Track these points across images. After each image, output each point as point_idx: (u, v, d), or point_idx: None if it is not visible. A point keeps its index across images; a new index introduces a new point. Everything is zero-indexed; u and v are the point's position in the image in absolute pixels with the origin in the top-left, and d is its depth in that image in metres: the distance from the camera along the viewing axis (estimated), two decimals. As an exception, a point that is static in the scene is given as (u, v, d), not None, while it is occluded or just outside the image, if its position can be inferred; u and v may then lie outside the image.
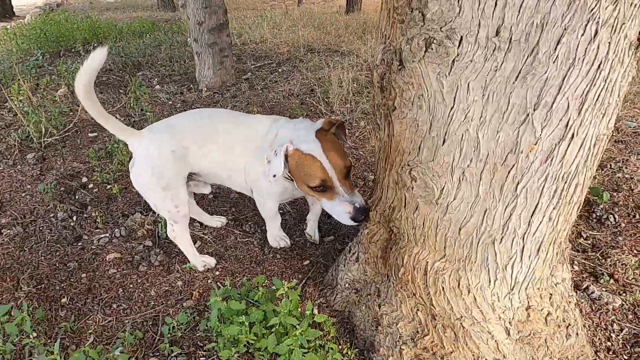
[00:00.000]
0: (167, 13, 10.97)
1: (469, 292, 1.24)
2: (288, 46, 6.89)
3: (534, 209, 1.09)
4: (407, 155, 1.22)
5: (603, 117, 0.99)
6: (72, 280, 1.83)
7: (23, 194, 2.48)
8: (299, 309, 1.46)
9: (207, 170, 1.75)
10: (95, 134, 3.31)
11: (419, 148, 1.17)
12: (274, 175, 1.51)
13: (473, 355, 1.26)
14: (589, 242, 2.12)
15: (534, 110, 0.95)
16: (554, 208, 1.10)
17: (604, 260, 1.98)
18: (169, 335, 1.50)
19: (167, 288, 1.79)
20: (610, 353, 1.51)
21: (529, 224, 1.12)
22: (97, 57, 1.44)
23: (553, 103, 0.93)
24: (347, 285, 1.63)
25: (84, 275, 1.85)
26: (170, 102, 4.20)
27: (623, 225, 2.22)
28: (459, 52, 0.98)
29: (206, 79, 4.98)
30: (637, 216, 2.31)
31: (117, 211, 2.31)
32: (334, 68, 5.23)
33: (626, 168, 2.75)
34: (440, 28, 0.99)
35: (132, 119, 3.56)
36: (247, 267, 1.90)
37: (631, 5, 0.84)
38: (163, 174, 1.65)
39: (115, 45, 6.31)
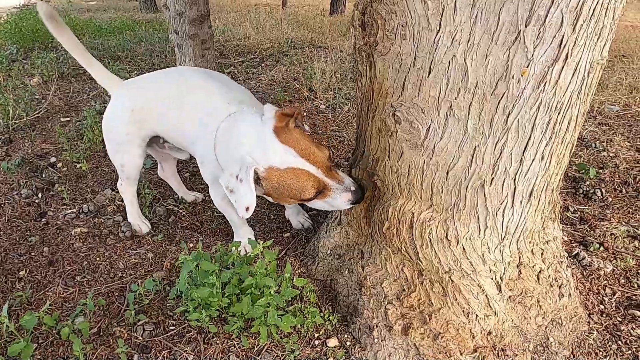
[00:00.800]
0: (148, 14, 10.82)
1: (457, 242, 1.15)
2: (272, 42, 6.83)
3: (526, 145, 1.02)
4: (390, 96, 1.14)
5: (598, 39, 0.93)
6: (32, 254, 1.69)
7: (-15, 174, 2.32)
8: (276, 273, 1.35)
9: (170, 137, 1.63)
10: (68, 118, 3.17)
11: (403, 86, 1.09)
12: (247, 209, 1.22)
13: (463, 311, 1.17)
14: (577, 215, 2.07)
15: (526, 26, 0.88)
16: (546, 144, 1.03)
17: (592, 231, 1.93)
18: (136, 304, 1.38)
19: (136, 260, 1.66)
20: (604, 316, 1.44)
21: (520, 162, 1.04)
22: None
23: (546, 17, 0.86)
24: (329, 252, 1.53)
25: (45, 249, 1.71)
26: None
27: (610, 199, 2.18)
28: (445, -32, 0.91)
29: (187, 72, 4.84)
30: (624, 191, 2.28)
31: (86, 188, 2.17)
32: (317, 61, 5.17)
33: (610, 147, 2.74)
34: (425, -57, 0.91)
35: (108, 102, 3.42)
36: (223, 240, 1.79)
37: None
38: (118, 130, 1.64)
39: (94, 42, 6.15)
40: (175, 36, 4.76)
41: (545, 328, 1.29)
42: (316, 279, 1.54)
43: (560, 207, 1.43)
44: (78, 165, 2.38)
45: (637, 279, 1.60)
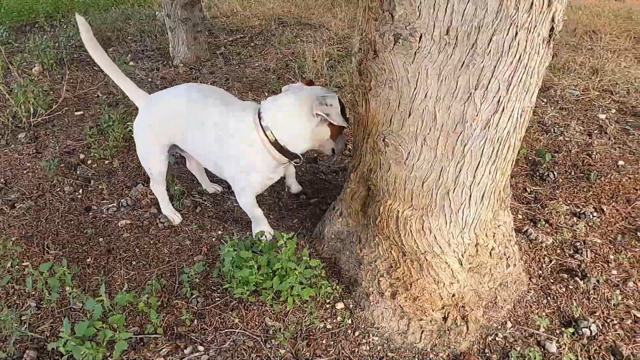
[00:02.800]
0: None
1: (430, 232, 1.59)
2: (259, 19, 6.91)
3: (477, 165, 1.43)
4: (381, 126, 1.52)
5: (526, 94, 1.33)
6: (91, 244, 2.07)
7: (24, 172, 2.65)
8: (296, 256, 1.78)
9: (188, 149, 1.99)
10: (81, 112, 3.45)
11: (390, 120, 1.48)
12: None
13: (434, 280, 1.62)
14: (532, 195, 2.53)
15: (475, 90, 1.27)
16: (492, 164, 1.45)
17: (542, 209, 2.40)
18: (188, 281, 1.80)
19: (177, 247, 2.07)
20: (541, 279, 1.92)
21: (474, 177, 1.46)
22: (83, 24, 1.83)
23: (488, 85, 1.25)
24: (332, 236, 1.96)
25: (101, 239, 2.10)
26: (150, 79, 4.31)
27: (560, 180, 2.64)
28: (420, 46, 1.28)
29: (181, 55, 5.04)
30: (573, 173, 2.74)
31: (119, 183, 2.53)
32: (306, 42, 5.40)
33: (567, 132, 3.18)
34: (405, 27, 1.28)
35: (116, 96, 3.69)
36: (244, 227, 2.20)
37: (540, 13, 1.16)
38: (142, 140, 2.01)
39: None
40: (168, 20, 4.94)
41: (495, 290, 1.75)
42: (323, 258, 1.97)
43: (510, 198, 1.87)
44: (106, 162, 2.72)
45: (570, 249, 2.08)
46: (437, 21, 1.21)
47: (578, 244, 2.10)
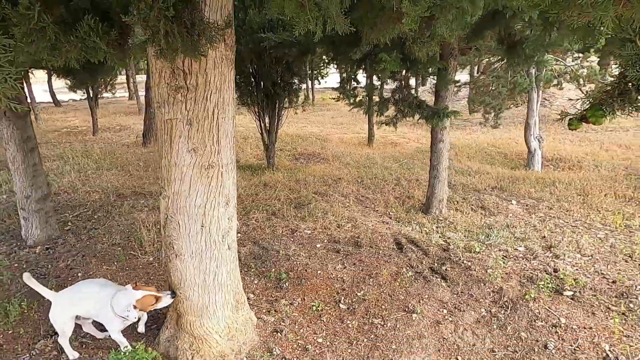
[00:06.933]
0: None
1: (202, 325, 3.77)
2: (99, 193, 8.71)
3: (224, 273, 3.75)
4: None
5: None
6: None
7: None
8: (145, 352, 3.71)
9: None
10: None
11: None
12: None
13: (209, 346, 3.77)
14: (273, 297, 4.96)
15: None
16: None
17: (276, 303, 4.82)
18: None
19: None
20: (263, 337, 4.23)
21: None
22: None
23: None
24: (165, 339, 3.95)
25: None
26: (15, 264, 5.69)
27: (288, 285, 5.16)
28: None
29: (33, 237, 6.48)
30: (297, 282, 5.33)
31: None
32: (141, 211, 7.48)
33: (295, 257, 5.88)
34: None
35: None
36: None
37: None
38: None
39: None
40: (22, 211, 6.48)
41: (240, 346, 3.99)
42: (160, 352, 3.91)
43: (245, 298, 4.23)
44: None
45: (275, 327, 4.50)
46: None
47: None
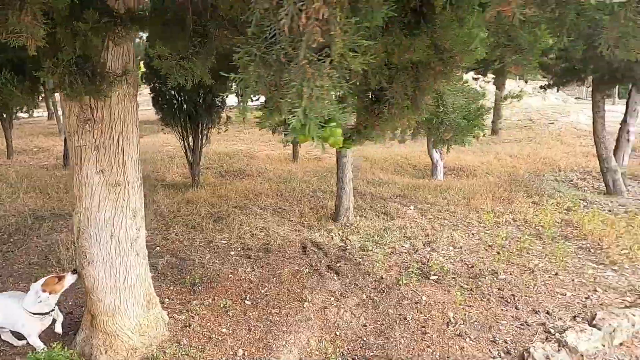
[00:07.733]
0: None
1: (115, 323, 4.33)
2: (15, 217, 8.74)
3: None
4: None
5: (137, 269, 4.37)
6: None
7: None
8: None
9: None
10: None
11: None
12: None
13: (122, 341, 4.33)
14: (187, 299, 5.57)
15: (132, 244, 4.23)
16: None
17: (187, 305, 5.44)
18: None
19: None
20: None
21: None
22: None
23: (121, 270, 4.25)
24: (81, 340, 4.43)
25: None
26: None
27: (201, 289, 5.80)
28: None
29: (-52, 261, 6.57)
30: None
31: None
32: (60, 232, 7.72)
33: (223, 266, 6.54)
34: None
35: None
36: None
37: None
38: None
39: None
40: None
41: (151, 340, 4.59)
42: (77, 352, 4.39)
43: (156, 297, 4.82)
44: None
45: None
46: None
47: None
